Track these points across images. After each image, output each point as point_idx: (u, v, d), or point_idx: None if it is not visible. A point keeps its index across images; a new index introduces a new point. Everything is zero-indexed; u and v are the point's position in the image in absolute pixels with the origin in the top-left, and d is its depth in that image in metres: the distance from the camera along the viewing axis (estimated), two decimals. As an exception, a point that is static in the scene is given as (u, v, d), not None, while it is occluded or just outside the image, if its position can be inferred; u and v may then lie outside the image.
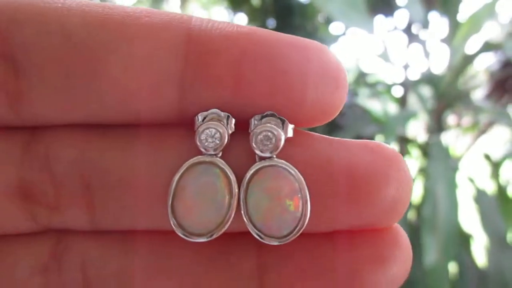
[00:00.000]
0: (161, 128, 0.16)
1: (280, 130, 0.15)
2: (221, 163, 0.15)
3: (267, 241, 0.15)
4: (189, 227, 0.15)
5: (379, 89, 1.07)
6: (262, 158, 0.15)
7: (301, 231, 0.15)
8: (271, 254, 0.16)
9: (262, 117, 0.15)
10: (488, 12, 0.88)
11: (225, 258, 0.16)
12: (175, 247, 0.16)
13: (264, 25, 0.98)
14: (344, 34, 1.06)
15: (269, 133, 0.15)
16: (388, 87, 1.05)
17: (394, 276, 0.15)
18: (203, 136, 0.15)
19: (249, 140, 0.15)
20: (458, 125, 1.06)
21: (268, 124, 0.15)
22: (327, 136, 0.16)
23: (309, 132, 0.16)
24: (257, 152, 0.15)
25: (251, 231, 0.15)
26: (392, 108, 1.04)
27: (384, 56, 0.95)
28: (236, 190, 0.15)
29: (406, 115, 0.89)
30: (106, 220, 0.16)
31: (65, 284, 0.16)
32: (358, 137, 0.85)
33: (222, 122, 0.15)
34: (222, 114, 0.15)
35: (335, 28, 1.08)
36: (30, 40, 0.14)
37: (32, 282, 0.16)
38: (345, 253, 0.16)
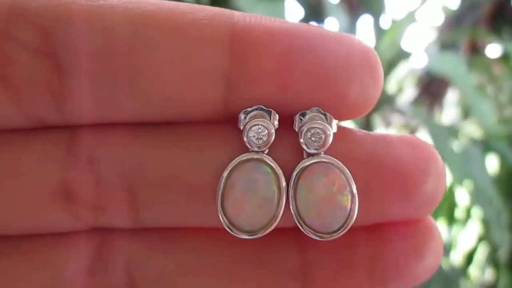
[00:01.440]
0: (205, 126, 0.16)
1: (328, 126, 0.15)
2: (270, 160, 0.15)
3: (318, 237, 0.15)
4: (239, 225, 0.15)
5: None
6: (310, 155, 0.16)
7: (350, 226, 0.15)
8: (314, 250, 0.16)
9: (306, 113, 0.15)
10: (410, 19, 0.95)
11: (268, 255, 0.16)
12: (219, 246, 0.16)
13: None
14: None
15: (318, 130, 0.15)
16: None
17: (431, 265, 0.16)
18: (251, 133, 0.15)
19: (293, 136, 0.16)
20: (387, 127, 1.12)
21: (317, 121, 0.15)
22: (369, 132, 0.16)
23: (350, 127, 0.16)
24: (305, 148, 0.16)
25: (301, 229, 0.15)
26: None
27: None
28: (285, 186, 0.15)
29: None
30: (150, 218, 0.16)
31: (110, 285, 0.16)
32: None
33: (267, 118, 0.15)
34: (266, 110, 0.15)
35: None
36: (73, 38, 0.14)
37: (77, 282, 0.16)
38: (385, 245, 0.16)
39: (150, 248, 0.16)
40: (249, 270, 0.16)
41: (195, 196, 0.16)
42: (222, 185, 0.15)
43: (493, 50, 1.18)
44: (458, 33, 1.05)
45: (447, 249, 0.88)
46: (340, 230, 0.15)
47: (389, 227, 0.16)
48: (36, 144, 0.15)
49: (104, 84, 0.14)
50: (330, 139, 0.15)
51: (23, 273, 0.16)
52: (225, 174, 0.15)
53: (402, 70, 1.08)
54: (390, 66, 0.92)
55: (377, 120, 1.04)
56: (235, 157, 0.15)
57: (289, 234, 0.16)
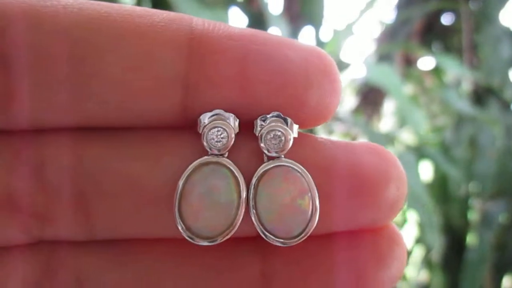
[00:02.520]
0: (163, 131, 0.15)
1: (289, 130, 0.15)
2: (229, 163, 0.15)
3: (276, 242, 0.15)
4: (198, 231, 0.15)
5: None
6: (270, 158, 0.15)
7: (311, 231, 0.15)
8: (276, 259, 0.16)
9: (267, 118, 0.15)
10: (348, 32, 0.99)
11: (228, 263, 0.16)
12: (178, 257, 0.16)
13: None
14: None
15: (279, 133, 0.15)
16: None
17: (394, 272, 0.16)
18: (210, 136, 0.15)
19: (253, 140, 0.15)
20: (329, 134, 1.16)
21: (278, 125, 0.15)
22: (331, 139, 0.16)
23: (310, 134, 0.16)
24: (266, 152, 0.15)
25: (260, 233, 0.15)
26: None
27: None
28: (245, 191, 0.15)
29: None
30: (103, 229, 0.15)
31: None
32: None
33: (227, 122, 0.15)
34: (226, 114, 0.15)
35: None
36: (23, 39, 0.13)
37: None
38: (348, 253, 0.16)
39: (103, 262, 0.16)
40: (209, 279, 0.16)
41: (151, 204, 0.15)
42: (179, 190, 0.15)
43: (425, 62, 1.26)
44: (393, 46, 1.10)
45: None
46: (302, 235, 0.15)
47: (352, 235, 0.16)
48: None
49: (56, 86, 0.14)
50: (291, 142, 0.15)
51: None
52: (183, 179, 0.15)
53: (342, 80, 1.12)
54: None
55: (319, 128, 1.07)
56: (195, 161, 0.15)
57: (250, 243, 0.16)
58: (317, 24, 0.97)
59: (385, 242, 0.16)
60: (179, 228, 0.15)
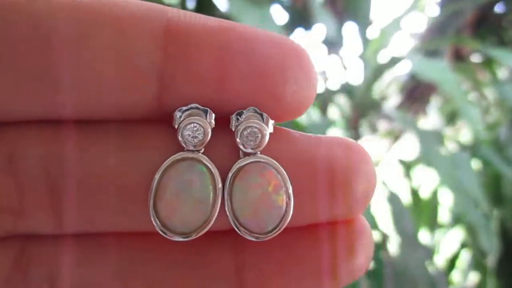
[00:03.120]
0: (138, 124, 0.15)
1: (265, 126, 0.15)
2: (205, 159, 0.15)
3: (252, 237, 0.15)
4: (173, 227, 0.15)
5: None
6: (246, 154, 0.15)
7: (284, 226, 0.15)
8: (249, 251, 0.16)
9: (243, 113, 0.15)
10: (395, 27, 0.96)
11: (202, 258, 0.16)
12: (150, 250, 0.16)
13: None
14: None
15: (255, 129, 0.15)
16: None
17: (363, 263, 0.16)
18: (186, 131, 0.15)
19: (229, 135, 0.15)
20: (373, 132, 1.13)
21: (253, 120, 0.15)
22: (304, 133, 0.16)
23: (286, 128, 0.16)
24: (242, 148, 0.15)
25: (235, 229, 0.15)
26: (315, 116, 1.08)
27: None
28: (220, 187, 0.15)
29: (326, 123, 0.93)
30: (77, 223, 0.15)
31: None
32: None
33: (203, 117, 0.15)
34: (202, 109, 0.15)
35: None
36: None
37: None
38: (320, 245, 0.16)
39: (76, 255, 0.16)
40: (183, 275, 0.16)
41: (126, 198, 0.15)
42: (154, 185, 0.15)
43: (477, 56, 1.20)
44: (443, 40, 1.06)
45: (430, 253, 0.89)
46: (275, 230, 0.15)
47: (323, 227, 0.16)
48: None
49: (26, 77, 0.13)
50: (267, 138, 0.15)
51: None
52: (158, 174, 0.15)
53: (387, 76, 1.09)
54: (376, 72, 0.93)
55: (363, 125, 1.04)
56: (169, 157, 0.15)
57: (224, 237, 0.16)
58: (362, 19, 0.95)
59: (355, 233, 0.16)
60: (154, 223, 0.15)
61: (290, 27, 0.99)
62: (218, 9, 0.91)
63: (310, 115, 1.05)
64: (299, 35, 1.03)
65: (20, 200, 0.15)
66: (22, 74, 0.13)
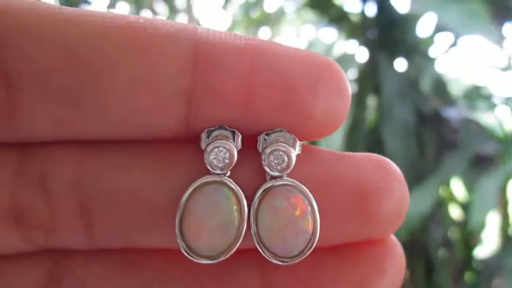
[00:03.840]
0: (166, 145, 0.15)
1: (291, 148, 0.15)
2: (231, 182, 0.15)
3: (279, 261, 0.15)
4: (198, 249, 0.15)
5: (495, 103, 0.93)
6: (272, 177, 0.15)
7: (311, 251, 0.15)
8: (276, 271, 0.16)
9: (271, 133, 0.15)
10: None
11: (228, 276, 0.16)
12: (178, 266, 0.16)
13: (364, 41, 0.93)
14: (455, 44, 0.91)
15: (281, 153, 0.15)
16: (507, 101, 0.92)
17: (392, 284, 0.16)
18: (212, 156, 0.15)
19: (257, 157, 0.15)
20: None
21: (280, 143, 0.15)
22: (333, 151, 0.16)
23: (315, 146, 0.16)
24: (268, 170, 0.15)
25: (261, 253, 0.15)
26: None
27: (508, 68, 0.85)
28: (246, 210, 0.15)
29: None
30: (106, 239, 0.15)
31: None
32: (476, 156, 0.75)
33: (229, 140, 0.15)
34: (230, 130, 0.15)
35: (443, 38, 0.94)
36: (24, 51, 0.13)
37: None
38: (348, 266, 0.16)
39: (107, 269, 0.16)
40: None
41: (152, 218, 0.15)
42: (181, 208, 0.15)
43: None
44: None
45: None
46: (301, 254, 0.15)
47: (351, 247, 0.16)
48: None
49: (59, 99, 0.14)
50: (293, 161, 0.15)
51: None
52: (185, 196, 0.15)
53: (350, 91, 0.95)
54: None
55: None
56: (196, 178, 0.15)
57: (250, 255, 0.16)
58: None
59: (384, 255, 0.16)
60: (180, 246, 0.15)
61: (497, 21, 0.86)
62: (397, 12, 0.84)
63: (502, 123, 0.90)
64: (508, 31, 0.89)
65: (51, 217, 0.15)
66: (52, 97, 0.14)
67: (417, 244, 0.85)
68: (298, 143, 0.15)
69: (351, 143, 0.84)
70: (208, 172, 0.15)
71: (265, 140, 0.15)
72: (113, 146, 0.15)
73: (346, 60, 0.93)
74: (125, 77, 0.14)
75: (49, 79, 0.14)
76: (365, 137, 0.86)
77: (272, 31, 1.34)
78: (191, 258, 0.15)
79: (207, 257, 0.15)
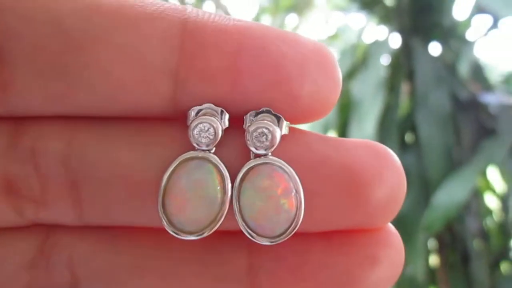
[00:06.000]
0: (153, 122, 0.16)
1: (276, 127, 0.15)
2: (214, 159, 0.15)
3: (259, 240, 0.15)
4: (180, 225, 0.15)
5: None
6: (257, 156, 0.15)
7: (294, 231, 0.15)
8: (263, 255, 0.16)
9: (257, 114, 0.15)
10: None
11: (215, 257, 0.16)
12: (165, 244, 0.16)
13: (397, 26, 0.91)
14: (494, 27, 0.87)
15: (265, 130, 0.15)
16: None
17: (386, 276, 0.16)
18: (196, 131, 0.15)
19: (243, 135, 0.15)
20: None
21: (264, 121, 0.15)
22: (323, 135, 0.16)
23: (304, 130, 0.16)
24: (252, 149, 0.15)
25: (243, 230, 0.15)
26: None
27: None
28: (229, 187, 0.15)
29: None
30: (94, 215, 0.16)
31: (53, 281, 0.16)
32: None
33: (216, 117, 0.15)
34: (216, 108, 0.15)
35: (481, 21, 0.90)
36: (15, 27, 0.14)
37: (19, 278, 0.16)
38: (338, 253, 0.16)
39: (95, 245, 0.16)
40: (195, 271, 0.16)
41: (138, 194, 0.15)
42: (164, 183, 0.15)
43: None
44: None
45: None
46: (284, 235, 0.15)
47: (342, 235, 0.16)
48: None
49: (48, 75, 0.14)
50: (277, 140, 0.15)
51: None
52: (168, 172, 0.15)
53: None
54: None
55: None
56: (181, 155, 0.15)
57: (239, 238, 0.16)
58: None
59: (378, 244, 0.16)
60: (162, 222, 0.15)
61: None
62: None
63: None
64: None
65: (42, 191, 0.15)
66: (42, 72, 0.14)
67: (452, 234, 0.83)
68: (285, 123, 0.15)
69: (384, 130, 0.82)
70: (193, 149, 0.15)
71: (251, 119, 0.15)
72: (102, 122, 0.15)
73: (378, 46, 0.91)
74: (112, 52, 0.14)
75: (39, 54, 0.14)
76: (398, 125, 0.84)
77: (300, 17, 1.32)
78: (172, 233, 0.15)
79: (190, 233, 0.15)
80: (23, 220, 0.16)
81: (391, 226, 0.16)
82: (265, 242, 0.15)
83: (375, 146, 0.15)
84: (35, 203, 0.15)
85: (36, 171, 0.15)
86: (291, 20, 1.29)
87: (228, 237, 0.16)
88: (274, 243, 0.15)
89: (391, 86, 0.85)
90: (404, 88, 0.89)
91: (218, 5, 1.25)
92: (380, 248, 0.16)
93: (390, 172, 0.15)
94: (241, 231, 0.15)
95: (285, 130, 0.15)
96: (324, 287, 0.16)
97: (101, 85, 0.14)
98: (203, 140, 0.15)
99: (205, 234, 0.15)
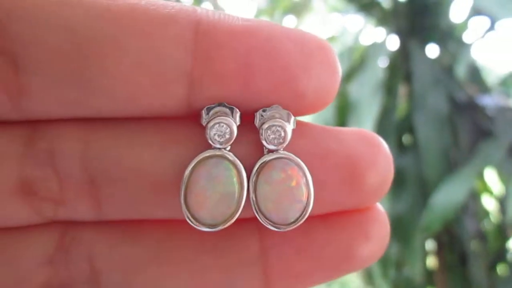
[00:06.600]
0: (168, 121, 0.16)
1: (287, 124, 0.16)
2: (231, 156, 0.16)
3: (276, 228, 0.16)
4: (201, 218, 0.16)
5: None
6: (270, 151, 0.16)
7: (305, 218, 0.16)
8: (273, 238, 0.17)
9: (267, 110, 0.16)
10: None
11: (229, 243, 0.17)
12: (180, 234, 0.17)
13: (395, 28, 0.92)
14: (491, 29, 0.87)
15: (278, 128, 0.16)
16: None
17: (376, 249, 0.18)
18: (213, 131, 0.16)
19: (254, 132, 0.16)
20: None
21: (276, 119, 0.16)
22: (325, 126, 0.17)
23: (307, 122, 0.17)
24: (265, 145, 0.16)
25: (260, 220, 0.16)
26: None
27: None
28: (246, 182, 0.16)
29: None
30: (113, 211, 0.16)
31: (73, 275, 0.16)
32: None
33: (229, 116, 0.16)
34: (229, 107, 0.16)
35: (479, 23, 0.91)
36: (30, 33, 0.14)
37: (39, 274, 0.16)
38: (339, 232, 0.17)
39: (113, 238, 0.17)
40: (211, 259, 0.17)
41: (157, 191, 0.16)
42: (185, 181, 0.16)
43: None
44: None
45: None
46: (296, 222, 0.16)
47: (340, 215, 0.17)
48: None
49: (65, 80, 0.14)
50: (289, 136, 0.16)
51: None
52: (188, 169, 0.16)
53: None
54: None
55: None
56: (198, 153, 0.16)
57: (250, 223, 0.17)
58: None
59: (370, 221, 0.17)
60: (185, 216, 0.16)
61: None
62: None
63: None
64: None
65: (61, 190, 0.16)
66: (58, 78, 0.14)
67: (450, 236, 0.83)
68: (292, 118, 0.16)
69: (381, 132, 0.82)
70: (209, 147, 0.16)
71: (262, 116, 0.16)
72: (118, 123, 0.16)
73: (375, 48, 0.91)
74: (129, 58, 0.14)
75: (56, 60, 0.14)
76: (396, 126, 0.84)
77: (297, 19, 1.32)
78: (195, 226, 0.16)
79: (210, 226, 0.16)
80: (42, 218, 0.16)
81: (379, 205, 0.18)
82: (279, 229, 0.16)
83: (368, 135, 0.17)
84: (53, 202, 0.16)
85: (54, 171, 0.15)
86: (289, 22, 1.29)
87: (242, 224, 0.17)
88: (288, 229, 0.16)
89: (389, 88, 0.86)
90: (402, 90, 0.89)
91: (216, 7, 1.25)
92: (370, 225, 0.17)
93: (382, 158, 0.17)
94: (253, 217, 0.16)
95: (293, 125, 0.16)
96: (327, 263, 0.17)
97: (117, 91, 0.15)
98: (220, 140, 0.16)
99: (226, 225, 0.16)
